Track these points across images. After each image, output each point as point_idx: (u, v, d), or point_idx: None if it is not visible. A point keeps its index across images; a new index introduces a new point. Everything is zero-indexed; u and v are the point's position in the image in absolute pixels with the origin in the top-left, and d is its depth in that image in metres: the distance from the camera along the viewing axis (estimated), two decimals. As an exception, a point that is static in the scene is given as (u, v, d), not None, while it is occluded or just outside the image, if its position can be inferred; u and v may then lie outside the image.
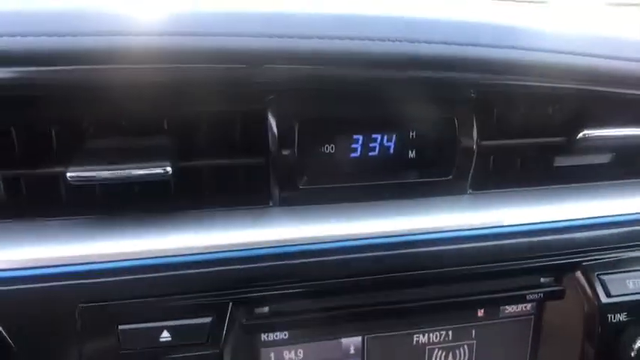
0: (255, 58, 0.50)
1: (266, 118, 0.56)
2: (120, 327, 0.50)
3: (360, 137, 0.59)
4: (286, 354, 0.59)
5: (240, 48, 0.50)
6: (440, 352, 0.63)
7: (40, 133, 0.55)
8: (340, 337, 0.60)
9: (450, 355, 0.64)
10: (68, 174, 0.50)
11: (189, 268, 0.51)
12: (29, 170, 0.54)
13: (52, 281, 0.48)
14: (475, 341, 0.64)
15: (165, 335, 0.50)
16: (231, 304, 0.52)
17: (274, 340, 0.58)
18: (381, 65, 0.54)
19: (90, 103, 0.54)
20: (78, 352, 0.50)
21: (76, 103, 0.54)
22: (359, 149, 0.60)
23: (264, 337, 0.58)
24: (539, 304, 0.64)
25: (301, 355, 0.60)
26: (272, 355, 0.59)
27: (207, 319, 0.51)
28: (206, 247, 0.52)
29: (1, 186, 0.55)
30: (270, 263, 0.53)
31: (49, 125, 0.55)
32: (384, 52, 0.52)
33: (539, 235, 0.60)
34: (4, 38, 0.45)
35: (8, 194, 0.55)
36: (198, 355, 0.51)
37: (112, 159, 0.52)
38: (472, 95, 0.60)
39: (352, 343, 0.61)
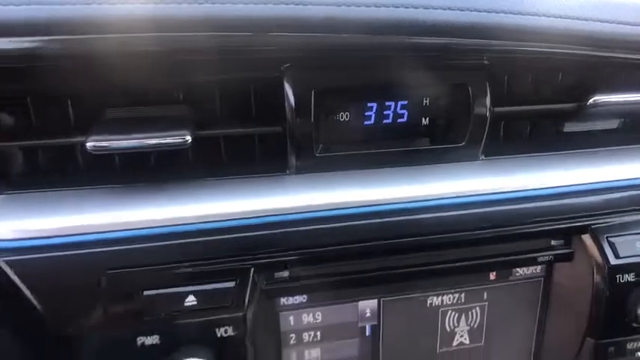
0: (264, 26, 0.50)
1: (282, 87, 0.56)
2: (145, 292, 0.51)
3: (375, 105, 0.60)
4: (305, 317, 0.61)
5: (249, 15, 0.49)
6: (453, 313, 0.65)
7: (57, 104, 0.55)
8: (357, 300, 0.62)
9: (463, 316, 0.66)
10: (88, 144, 0.51)
11: (211, 235, 0.53)
12: (47, 141, 0.55)
13: (80, 249, 0.49)
14: (487, 303, 0.66)
15: (191, 299, 0.52)
16: (252, 268, 0.54)
17: (293, 304, 0.60)
18: (395, 32, 0.53)
19: (106, 73, 0.54)
20: (105, 317, 0.51)
21: (92, 74, 0.54)
22: (373, 117, 0.60)
23: (283, 300, 0.60)
24: (549, 267, 0.66)
25: (319, 318, 0.61)
26: (291, 318, 0.61)
27: (231, 284, 0.53)
28: (227, 215, 0.53)
29: (20, 157, 0.55)
30: (289, 229, 0.55)
31: (66, 95, 0.55)
32: (398, 19, 0.52)
33: (550, 200, 0.61)
34: (23, 7, 0.45)
35: (27, 165, 0.55)
36: (223, 318, 0.53)
37: (130, 129, 0.52)
38: (485, 62, 0.60)
39: (368, 305, 0.63)
